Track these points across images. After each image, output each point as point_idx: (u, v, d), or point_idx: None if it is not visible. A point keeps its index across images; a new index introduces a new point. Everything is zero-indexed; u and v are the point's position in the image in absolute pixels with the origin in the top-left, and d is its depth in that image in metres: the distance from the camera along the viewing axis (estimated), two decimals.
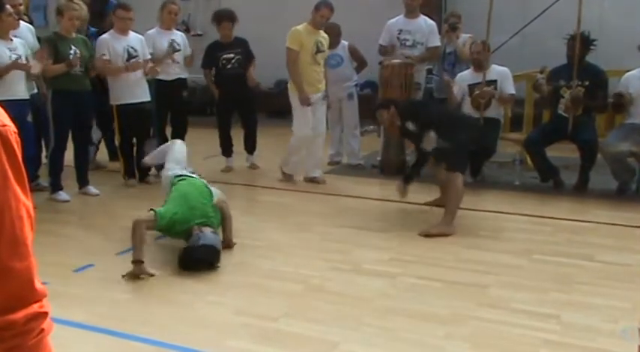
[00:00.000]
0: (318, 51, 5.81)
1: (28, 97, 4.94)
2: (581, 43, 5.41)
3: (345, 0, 9.03)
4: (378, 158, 6.59)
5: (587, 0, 7.48)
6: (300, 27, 5.83)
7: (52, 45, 5.09)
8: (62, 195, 5.33)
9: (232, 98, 6.37)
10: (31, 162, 5.10)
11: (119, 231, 4.55)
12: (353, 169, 6.57)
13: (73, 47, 5.16)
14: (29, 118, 4.94)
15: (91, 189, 5.56)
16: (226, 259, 3.99)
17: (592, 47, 5.55)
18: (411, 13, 6.41)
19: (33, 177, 5.38)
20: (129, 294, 3.44)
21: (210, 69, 6.46)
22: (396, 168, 6.25)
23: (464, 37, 6.40)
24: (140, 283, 3.60)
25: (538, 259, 3.97)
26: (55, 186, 5.33)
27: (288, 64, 5.76)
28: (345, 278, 3.68)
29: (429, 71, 6.97)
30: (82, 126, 5.40)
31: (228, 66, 6.30)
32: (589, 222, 4.74)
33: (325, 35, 5.96)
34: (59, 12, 5.17)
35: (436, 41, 6.45)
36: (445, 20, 6.97)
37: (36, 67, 4.89)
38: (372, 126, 8.43)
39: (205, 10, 9.30)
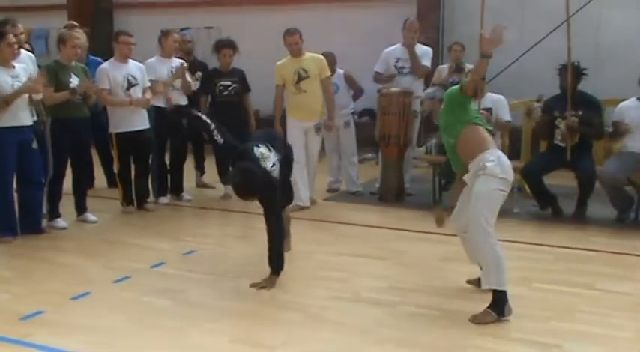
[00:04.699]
0: (300, 79, 5.89)
1: (31, 124, 4.93)
2: (572, 73, 5.46)
3: (344, 28, 9.24)
4: (377, 185, 6.59)
5: (583, 30, 7.59)
6: (281, 61, 6.00)
7: (52, 73, 5.13)
8: (60, 222, 5.31)
9: (226, 125, 6.33)
10: (40, 189, 5.08)
11: (117, 258, 4.53)
12: (352, 196, 6.57)
13: (73, 75, 5.21)
14: (34, 145, 4.94)
15: (89, 216, 5.54)
16: (223, 286, 3.97)
17: (583, 76, 5.60)
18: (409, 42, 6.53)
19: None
20: (125, 322, 3.40)
21: (206, 96, 6.47)
22: (395, 196, 6.25)
23: (469, 68, 6.48)
24: (136, 311, 3.56)
25: (538, 288, 3.94)
26: (53, 213, 5.32)
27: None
28: (344, 306, 3.65)
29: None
30: (81, 154, 5.41)
31: (225, 92, 6.30)
32: (589, 250, 4.73)
33: (314, 58, 5.95)
34: (62, 40, 5.22)
35: (427, 63, 6.59)
36: (449, 49, 7.21)
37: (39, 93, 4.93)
38: (370, 154, 8.46)
39: (206, 40, 9.38)
